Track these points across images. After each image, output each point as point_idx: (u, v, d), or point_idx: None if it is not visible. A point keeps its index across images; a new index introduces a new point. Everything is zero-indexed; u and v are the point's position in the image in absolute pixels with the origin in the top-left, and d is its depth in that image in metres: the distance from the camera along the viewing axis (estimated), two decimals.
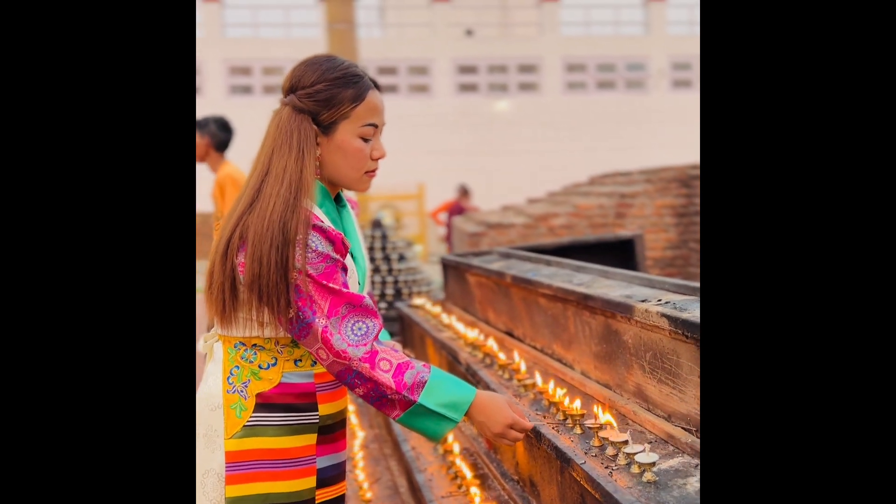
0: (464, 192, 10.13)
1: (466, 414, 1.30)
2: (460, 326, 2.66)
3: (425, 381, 1.27)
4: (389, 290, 4.23)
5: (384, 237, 4.41)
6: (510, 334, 2.51)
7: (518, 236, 5.55)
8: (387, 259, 4.34)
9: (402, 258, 4.38)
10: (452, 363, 2.38)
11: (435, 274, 7.25)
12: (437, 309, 3.14)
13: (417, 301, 3.44)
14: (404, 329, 3.58)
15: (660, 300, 1.60)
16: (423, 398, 1.26)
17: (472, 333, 2.41)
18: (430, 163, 16.31)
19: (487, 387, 1.93)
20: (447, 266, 3.38)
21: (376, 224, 4.49)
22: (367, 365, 1.25)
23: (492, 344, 2.22)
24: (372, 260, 4.34)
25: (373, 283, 4.27)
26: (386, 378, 1.25)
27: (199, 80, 16.68)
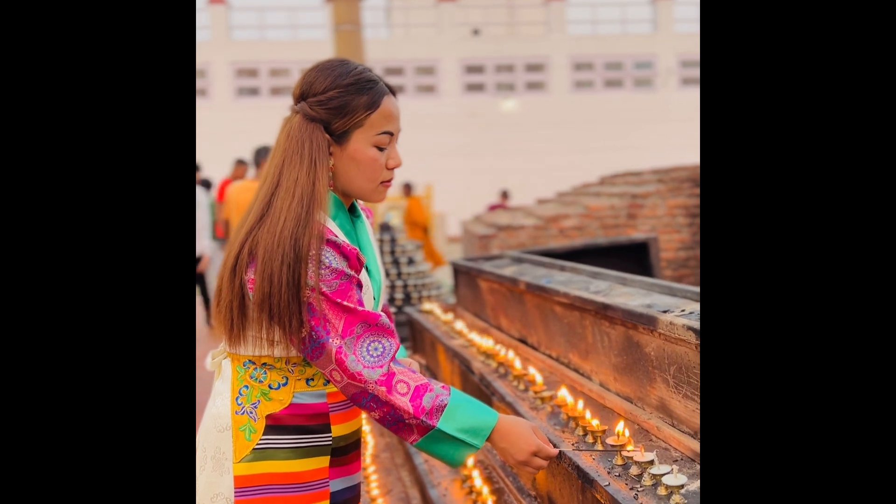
0: (504, 194, 11.62)
1: (488, 439, 1.24)
2: (473, 334, 2.60)
3: (445, 405, 1.21)
4: (399, 295, 4.18)
5: (393, 240, 4.36)
6: (524, 341, 2.46)
7: (528, 238, 5.49)
8: (396, 263, 4.28)
9: (411, 262, 4.33)
10: (465, 373, 2.33)
11: (444, 275, 7.19)
12: (449, 315, 3.09)
13: (427, 306, 3.39)
14: (414, 335, 3.52)
15: (683, 310, 1.54)
16: (443, 423, 1.20)
17: (486, 342, 2.35)
18: (438, 163, 16.26)
19: (503, 399, 1.87)
20: (458, 271, 3.32)
21: (385, 227, 4.44)
22: (383, 388, 1.19)
23: (506, 353, 2.16)
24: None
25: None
26: (403, 402, 1.19)
27: (206, 83, 16.67)
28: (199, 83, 16.64)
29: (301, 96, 1.29)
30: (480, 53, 17.50)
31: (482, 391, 2.09)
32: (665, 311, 1.54)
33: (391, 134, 1.30)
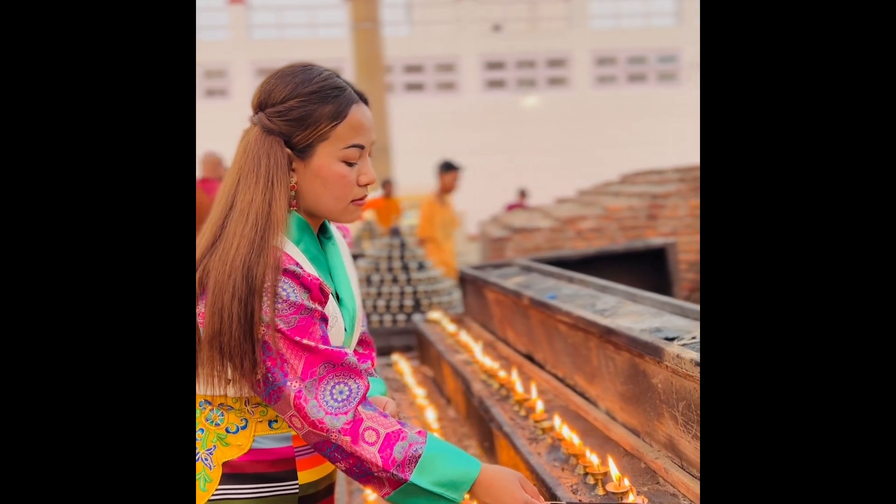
0: (522, 193, 11.51)
1: (469, 492, 1.10)
2: (478, 347, 2.46)
3: (418, 456, 1.07)
4: (408, 302, 4.05)
5: (402, 245, 4.23)
6: (530, 358, 2.31)
7: (544, 240, 5.32)
8: (405, 269, 4.15)
9: (421, 267, 4.19)
10: (465, 393, 2.19)
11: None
12: (454, 327, 2.95)
13: (433, 316, 3.25)
14: (421, 346, 3.39)
15: (694, 337, 1.39)
16: (417, 476, 1.06)
17: (488, 360, 2.21)
18: (458, 161, 16.10)
19: (500, 428, 1.73)
20: (465, 279, 3.18)
21: (394, 232, 4.31)
22: (347, 438, 1.06)
23: (508, 374, 2.02)
24: (390, 270, 4.16)
25: (390, 294, 4.09)
26: (370, 453, 1.06)
27: (226, 83, 16.69)
28: (219, 83, 16.66)
29: (259, 106, 1.17)
30: (501, 49, 17.31)
31: (481, 416, 1.96)
32: (673, 339, 1.39)
33: (361, 147, 1.16)
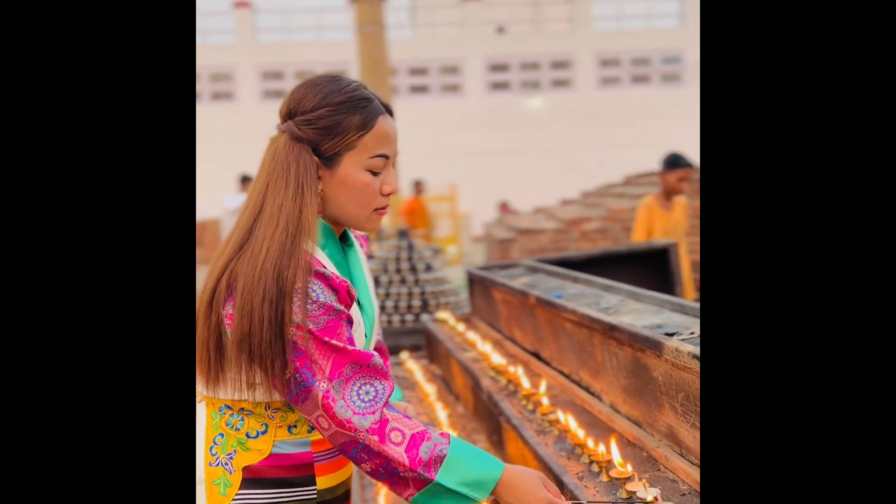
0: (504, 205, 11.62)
1: (492, 492, 1.13)
2: (485, 346, 2.54)
3: (444, 456, 1.10)
4: (416, 302, 4.13)
5: (410, 247, 4.31)
6: (537, 355, 2.39)
7: (549, 242, 5.40)
8: (413, 270, 4.23)
9: (428, 268, 4.27)
10: (474, 389, 2.27)
11: (461, 276, 7.12)
12: (462, 326, 3.03)
13: (442, 315, 3.33)
14: (430, 345, 3.47)
15: (692, 332, 1.47)
16: (442, 476, 1.09)
17: (496, 357, 2.29)
18: (463, 163, 16.19)
19: (509, 421, 1.81)
20: (472, 280, 3.26)
21: (402, 234, 4.39)
22: (375, 437, 1.08)
23: (515, 370, 2.09)
24: (398, 271, 4.24)
25: (399, 295, 4.17)
26: (397, 453, 1.08)
27: (233, 86, 16.81)
28: (225, 86, 16.78)
29: (288, 114, 1.21)
30: (505, 52, 17.39)
31: (490, 411, 2.03)
32: (672, 334, 1.46)
33: (386, 157, 1.20)
